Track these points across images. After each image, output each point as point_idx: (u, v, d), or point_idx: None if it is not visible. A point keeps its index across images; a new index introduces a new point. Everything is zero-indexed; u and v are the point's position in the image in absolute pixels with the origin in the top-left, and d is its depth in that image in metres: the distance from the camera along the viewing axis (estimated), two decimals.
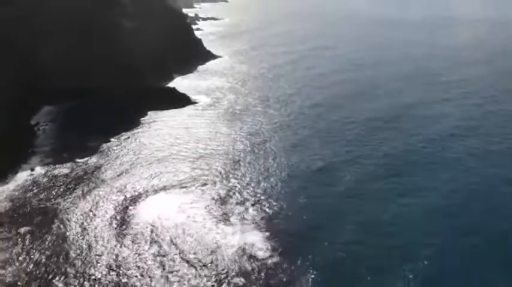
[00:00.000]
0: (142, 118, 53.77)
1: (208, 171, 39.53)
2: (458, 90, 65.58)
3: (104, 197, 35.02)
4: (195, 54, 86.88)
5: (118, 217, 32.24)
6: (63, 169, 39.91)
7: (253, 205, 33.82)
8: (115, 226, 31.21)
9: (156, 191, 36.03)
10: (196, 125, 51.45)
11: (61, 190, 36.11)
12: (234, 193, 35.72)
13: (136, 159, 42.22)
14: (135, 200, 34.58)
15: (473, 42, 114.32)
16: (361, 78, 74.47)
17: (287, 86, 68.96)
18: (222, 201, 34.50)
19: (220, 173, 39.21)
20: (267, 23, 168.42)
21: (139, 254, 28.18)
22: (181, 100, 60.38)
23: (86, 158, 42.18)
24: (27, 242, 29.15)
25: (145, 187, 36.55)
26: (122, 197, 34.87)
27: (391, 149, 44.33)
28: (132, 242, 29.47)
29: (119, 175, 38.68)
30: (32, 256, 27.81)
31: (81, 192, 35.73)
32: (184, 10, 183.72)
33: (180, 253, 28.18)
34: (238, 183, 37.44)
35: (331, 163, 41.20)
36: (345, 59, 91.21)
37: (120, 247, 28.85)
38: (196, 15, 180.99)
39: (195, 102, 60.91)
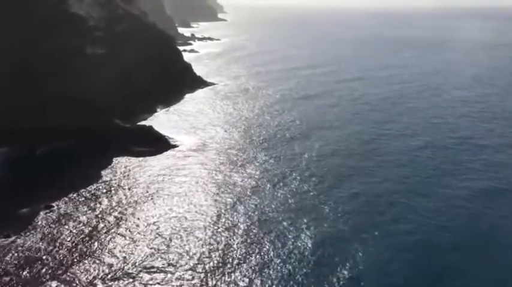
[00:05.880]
0: (103, 170, 42.61)
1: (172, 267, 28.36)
2: None
3: None
4: (182, 82, 76.18)
5: None
6: None
7: None
8: None
9: None
10: (168, 186, 39.59)
11: None
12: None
13: (77, 243, 30.93)
14: None
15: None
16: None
17: (283, 118, 58.62)
18: None
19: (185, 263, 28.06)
20: (266, 43, 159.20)
21: None
22: (157, 143, 49.29)
23: (12, 238, 31.01)
24: None
25: None
26: None
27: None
28: None
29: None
30: None
31: None
32: (181, 30, 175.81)
33: None
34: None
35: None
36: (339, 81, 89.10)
37: None
38: (192, 35, 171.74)
39: (175, 146, 49.86)
